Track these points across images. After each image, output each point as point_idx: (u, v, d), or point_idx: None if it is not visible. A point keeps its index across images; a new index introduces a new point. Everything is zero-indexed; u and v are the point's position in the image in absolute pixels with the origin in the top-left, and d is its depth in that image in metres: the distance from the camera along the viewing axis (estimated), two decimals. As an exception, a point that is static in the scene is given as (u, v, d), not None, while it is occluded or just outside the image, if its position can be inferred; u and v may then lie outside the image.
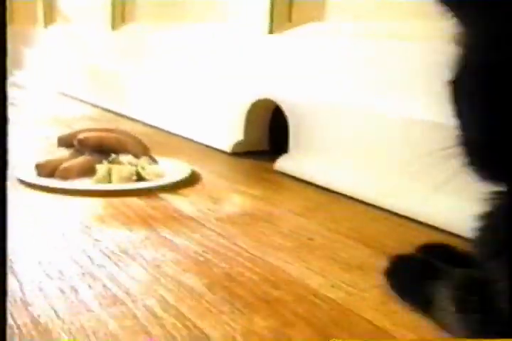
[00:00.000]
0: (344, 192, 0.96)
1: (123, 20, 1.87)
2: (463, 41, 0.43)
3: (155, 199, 0.93)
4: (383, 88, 0.96)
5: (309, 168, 1.05)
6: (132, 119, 1.66)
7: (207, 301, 0.59)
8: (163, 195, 0.95)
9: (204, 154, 1.27)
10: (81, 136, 1.04)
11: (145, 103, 1.65)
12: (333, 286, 0.63)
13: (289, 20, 1.17)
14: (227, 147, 1.24)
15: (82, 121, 1.62)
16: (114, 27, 1.88)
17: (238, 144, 1.23)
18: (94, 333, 0.53)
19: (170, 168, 1.04)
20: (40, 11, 2.56)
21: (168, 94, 1.54)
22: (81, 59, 2.10)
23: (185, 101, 1.46)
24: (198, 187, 1.01)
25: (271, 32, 1.17)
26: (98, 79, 1.94)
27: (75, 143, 1.03)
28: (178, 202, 0.92)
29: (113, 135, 1.06)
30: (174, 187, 0.98)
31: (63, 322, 0.55)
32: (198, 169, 1.10)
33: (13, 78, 2.64)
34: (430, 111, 0.75)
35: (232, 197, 0.96)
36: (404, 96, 0.92)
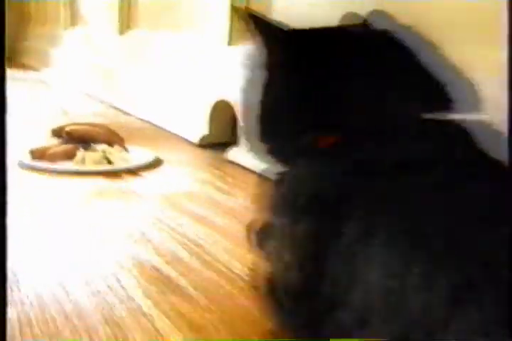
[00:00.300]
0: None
1: (128, 26, 2.12)
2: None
3: (117, 179, 1.18)
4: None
5: (250, 157, 1.28)
6: (130, 114, 1.91)
7: (119, 246, 0.84)
8: (126, 176, 1.20)
9: (176, 145, 1.51)
10: (68, 128, 1.29)
11: (138, 101, 1.90)
12: (214, 242, 0.87)
13: (244, 34, 1.40)
14: (195, 139, 1.48)
15: (88, 116, 1.88)
16: (120, 32, 2.13)
17: (204, 137, 1.47)
18: (41, 272, 0.78)
19: (138, 155, 1.29)
20: (64, 15, 2.84)
21: (154, 93, 1.79)
22: (94, 60, 2.37)
23: (167, 99, 1.71)
24: (157, 171, 1.26)
25: (230, 44, 1.41)
26: (106, 78, 2.20)
27: (63, 134, 1.29)
28: (135, 182, 1.17)
29: (94, 128, 1.31)
30: (137, 171, 1.22)
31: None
32: (165, 156, 1.34)
33: (40, 75, 2.94)
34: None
35: (180, 179, 1.20)
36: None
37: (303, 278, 0.55)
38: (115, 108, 2.04)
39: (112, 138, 1.30)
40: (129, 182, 1.16)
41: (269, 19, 0.61)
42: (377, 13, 0.63)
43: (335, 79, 0.54)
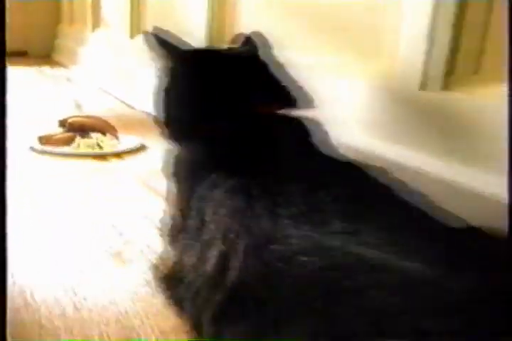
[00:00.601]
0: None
1: (138, 30, 2.39)
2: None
3: (104, 161, 1.45)
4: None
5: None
6: (134, 108, 2.19)
7: (92, 212, 1.11)
8: (112, 158, 1.47)
9: (165, 135, 1.77)
10: (70, 120, 1.57)
11: (142, 96, 2.17)
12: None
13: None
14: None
15: (98, 110, 2.16)
16: (131, 36, 2.41)
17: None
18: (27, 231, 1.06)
19: (126, 142, 1.56)
20: (89, 16, 3.13)
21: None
22: (112, 60, 2.64)
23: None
24: (140, 155, 1.52)
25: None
26: (120, 78, 2.48)
27: (66, 124, 1.57)
28: (118, 163, 1.44)
29: (91, 120, 1.59)
30: (122, 154, 1.49)
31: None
32: (153, 144, 1.61)
33: (67, 72, 3.25)
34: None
35: (157, 163, 1.46)
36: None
37: (174, 214, 0.81)
38: (124, 103, 2.32)
39: (106, 128, 1.57)
40: (113, 163, 1.43)
41: (171, 40, 0.86)
42: (254, 34, 0.87)
43: (208, 89, 0.79)
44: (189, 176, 0.77)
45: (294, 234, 0.61)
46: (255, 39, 0.92)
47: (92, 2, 3.03)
